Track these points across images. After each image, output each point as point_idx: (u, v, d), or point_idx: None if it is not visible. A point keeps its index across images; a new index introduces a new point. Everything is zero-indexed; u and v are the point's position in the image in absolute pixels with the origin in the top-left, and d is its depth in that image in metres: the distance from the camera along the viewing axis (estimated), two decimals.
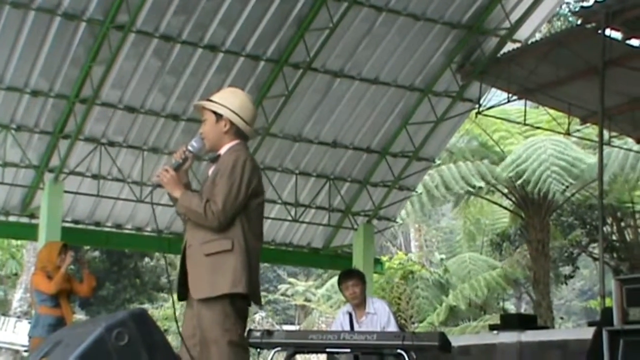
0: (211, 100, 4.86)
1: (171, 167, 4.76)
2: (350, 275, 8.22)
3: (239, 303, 4.62)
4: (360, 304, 8.10)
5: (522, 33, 13.96)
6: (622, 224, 21.11)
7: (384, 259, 23.14)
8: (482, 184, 18.61)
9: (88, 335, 3.35)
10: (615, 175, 18.03)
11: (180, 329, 4.66)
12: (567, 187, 18.41)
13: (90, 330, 3.39)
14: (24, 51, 12.09)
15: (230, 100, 4.84)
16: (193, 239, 4.69)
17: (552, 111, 15.46)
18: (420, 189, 17.64)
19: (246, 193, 4.65)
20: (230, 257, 4.59)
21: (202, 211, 4.57)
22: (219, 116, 4.78)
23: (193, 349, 4.59)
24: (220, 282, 4.56)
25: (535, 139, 18.72)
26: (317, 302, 28.88)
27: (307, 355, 23.74)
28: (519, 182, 18.19)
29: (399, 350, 6.78)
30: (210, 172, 4.84)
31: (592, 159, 17.78)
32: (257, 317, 32.00)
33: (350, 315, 8.08)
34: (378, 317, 8.00)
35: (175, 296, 4.86)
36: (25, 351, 21.25)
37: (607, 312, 6.70)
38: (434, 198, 19.06)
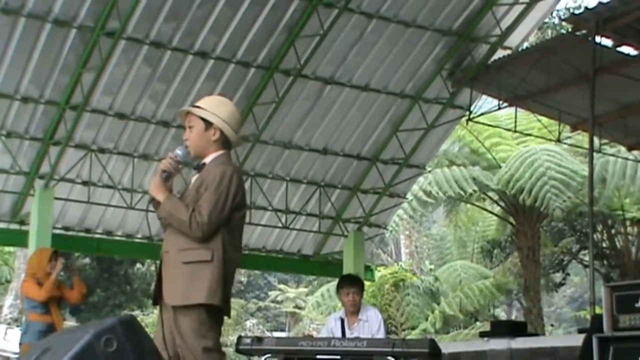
0: (199, 107, 4.82)
1: (160, 177, 4.74)
2: (353, 283, 8.23)
3: (214, 311, 4.63)
4: (354, 311, 8.11)
5: (513, 40, 13.99)
6: (613, 231, 21.14)
7: (379, 268, 23.18)
8: (474, 188, 18.58)
9: (77, 342, 3.34)
10: (605, 183, 18.03)
11: (154, 335, 4.63)
12: (565, 201, 18.40)
13: (79, 336, 3.38)
14: (14, 57, 12.06)
15: (220, 109, 4.82)
16: (170, 245, 4.68)
17: (542, 118, 15.49)
18: (410, 196, 17.66)
19: (231, 207, 4.64)
20: (208, 267, 4.58)
21: (187, 219, 4.55)
22: (208, 124, 4.75)
23: (163, 353, 4.57)
24: (196, 291, 4.55)
25: (529, 149, 18.62)
26: (307, 309, 28.87)
27: None
28: (521, 197, 18.10)
29: (389, 357, 6.77)
30: (193, 179, 4.81)
31: (585, 168, 17.72)
32: (248, 324, 32.00)
33: (343, 321, 8.08)
34: (369, 325, 8.00)
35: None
36: (17, 359, 21.18)
37: (597, 319, 6.69)
38: (425, 203, 19.05)
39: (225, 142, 4.80)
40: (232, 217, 4.68)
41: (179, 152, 4.79)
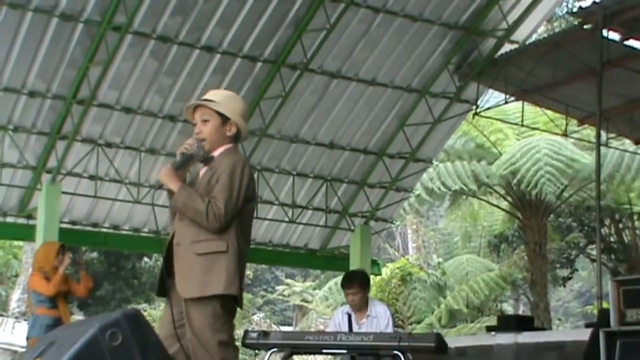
0: (212, 101, 4.78)
1: (173, 164, 4.71)
2: (350, 283, 8.15)
3: (229, 304, 4.60)
4: (360, 308, 8.09)
5: (520, 34, 13.96)
6: (620, 225, 21.13)
7: (387, 264, 23.20)
8: (475, 186, 18.60)
9: (82, 336, 3.35)
10: (612, 176, 18.02)
11: (158, 328, 4.60)
12: (564, 189, 18.40)
13: (84, 330, 3.39)
14: (21, 52, 12.09)
15: (235, 105, 4.81)
16: (182, 237, 4.63)
17: (549, 112, 15.46)
18: (417, 190, 17.67)
19: (244, 198, 4.63)
20: (224, 258, 4.55)
21: (204, 210, 4.51)
22: (225, 119, 4.74)
23: (173, 346, 4.55)
24: (213, 282, 4.52)
25: (531, 138, 18.72)
26: (314, 303, 28.88)
27: (304, 356, 23.73)
28: (515, 181, 18.19)
29: (395, 352, 6.75)
30: (201, 172, 4.79)
31: (588, 158, 17.78)
32: (255, 318, 31.99)
33: (350, 316, 8.06)
34: (378, 321, 7.98)
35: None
36: (24, 353, 21.24)
37: (604, 313, 6.69)
38: (432, 192, 19.06)
39: (235, 137, 4.80)
40: (243, 209, 4.66)
41: (195, 147, 4.71)
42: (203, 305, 4.52)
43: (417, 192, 18.18)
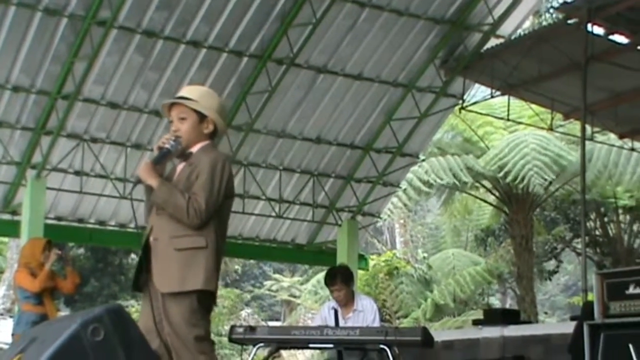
0: (189, 99, 4.79)
1: (152, 160, 4.72)
2: (333, 280, 8.14)
3: (205, 299, 4.63)
4: (346, 303, 8.09)
5: (506, 29, 13.98)
6: (605, 219, 21.19)
7: (372, 257, 23.22)
8: (470, 177, 18.63)
9: (63, 331, 3.33)
10: (599, 171, 18.11)
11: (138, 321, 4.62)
12: (551, 182, 18.47)
13: (66, 326, 3.38)
14: (4, 47, 12.03)
15: (212, 102, 4.81)
16: (160, 233, 4.64)
17: (535, 107, 15.50)
18: (404, 184, 17.69)
19: (224, 194, 4.65)
20: (203, 254, 4.58)
21: (184, 206, 4.52)
22: (202, 117, 4.74)
23: (154, 341, 4.57)
24: (192, 278, 4.54)
25: (518, 133, 18.81)
26: (302, 298, 28.89)
27: (292, 351, 23.75)
28: (501, 174, 18.25)
29: (381, 346, 6.77)
30: (179, 167, 4.79)
31: (574, 154, 17.86)
32: (243, 313, 31.96)
33: (336, 311, 8.06)
34: (364, 315, 7.99)
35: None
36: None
37: (588, 306, 6.72)
38: (420, 191, 19.08)
39: (214, 133, 4.81)
40: (222, 205, 4.68)
41: (172, 143, 4.73)
42: (180, 301, 4.55)
43: (404, 187, 18.20)
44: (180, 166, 4.78)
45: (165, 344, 4.58)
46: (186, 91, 4.88)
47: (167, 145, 4.70)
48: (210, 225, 4.61)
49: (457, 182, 18.65)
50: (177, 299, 4.55)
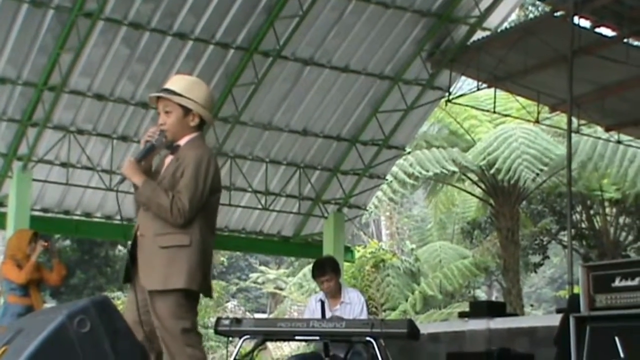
0: (174, 92, 4.76)
1: (135, 158, 4.71)
2: (323, 271, 8.12)
3: (192, 294, 4.65)
4: (335, 294, 8.09)
5: (492, 21, 14.00)
6: (592, 211, 21.27)
7: (358, 248, 23.23)
8: (454, 169, 18.66)
9: (49, 323, 3.33)
10: (585, 164, 18.17)
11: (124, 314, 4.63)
12: (538, 174, 18.52)
13: (52, 317, 3.37)
14: None
15: (197, 94, 4.77)
16: (146, 229, 4.64)
17: (521, 99, 15.53)
18: (390, 177, 17.72)
19: (209, 191, 4.64)
20: (187, 252, 4.58)
21: (168, 206, 4.52)
22: (187, 110, 4.72)
23: (139, 333, 4.58)
24: (175, 276, 4.55)
25: (506, 126, 18.85)
26: (288, 290, 28.91)
27: (278, 343, 23.77)
28: (492, 171, 18.29)
29: (367, 338, 6.77)
30: (167, 161, 4.78)
31: (562, 148, 17.91)
32: (229, 305, 31.98)
33: (323, 303, 8.06)
34: (352, 307, 7.98)
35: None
36: None
37: (574, 299, 6.73)
38: (405, 184, 19.12)
39: (200, 125, 4.80)
40: (208, 201, 4.67)
41: (157, 137, 4.71)
42: (166, 296, 4.57)
43: (390, 180, 18.23)
44: (168, 160, 4.77)
45: (148, 336, 4.59)
46: (172, 82, 4.85)
47: (152, 140, 4.70)
48: (195, 223, 4.61)
49: (444, 171, 18.68)
50: (163, 295, 4.57)
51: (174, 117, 4.72)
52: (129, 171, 4.66)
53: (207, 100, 4.81)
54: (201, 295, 4.80)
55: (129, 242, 4.73)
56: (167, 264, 4.55)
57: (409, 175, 18.75)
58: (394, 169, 17.42)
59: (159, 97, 4.78)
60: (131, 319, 4.58)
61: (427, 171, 18.63)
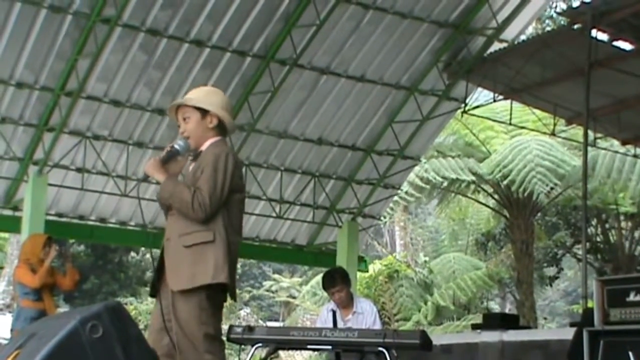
0: (189, 99, 4.80)
1: (161, 157, 4.74)
2: (333, 282, 8.11)
3: (216, 296, 4.61)
4: (346, 304, 8.08)
5: (509, 33, 13.98)
6: (607, 225, 21.18)
7: (375, 261, 23.20)
8: (470, 178, 18.63)
9: (62, 328, 3.33)
10: (602, 177, 18.09)
11: (149, 323, 4.63)
12: (552, 188, 18.46)
13: (65, 322, 3.37)
14: (9, 43, 12.05)
15: (213, 98, 4.82)
16: (172, 232, 4.66)
17: (538, 111, 15.49)
18: (405, 186, 17.69)
19: (229, 187, 4.62)
20: (211, 248, 4.56)
21: (189, 199, 4.52)
22: (204, 112, 4.74)
23: (159, 342, 4.56)
24: (201, 273, 4.53)
25: (521, 138, 18.79)
26: (301, 299, 28.90)
27: (290, 352, 23.75)
28: (505, 182, 18.25)
29: (380, 348, 6.75)
30: (190, 168, 4.81)
31: (577, 160, 17.84)
32: (242, 313, 32.00)
33: (334, 312, 8.05)
34: (364, 317, 7.98)
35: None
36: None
37: (588, 313, 6.69)
38: (421, 189, 19.10)
39: (221, 129, 4.81)
40: (230, 199, 4.65)
41: (180, 143, 4.77)
42: (189, 298, 4.53)
43: (405, 190, 18.21)
44: (191, 166, 4.80)
45: (174, 343, 4.56)
46: (189, 93, 4.90)
47: (175, 146, 4.74)
48: (218, 219, 4.60)
49: (459, 178, 18.64)
50: (186, 296, 4.54)
51: (193, 121, 4.75)
52: (152, 168, 4.69)
53: (224, 103, 4.85)
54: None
55: (158, 252, 4.74)
56: (193, 262, 4.55)
57: (422, 179, 18.71)
58: (410, 175, 17.36)
59: (178, 110, 4.81)
60: (156, 326, 4.59)
61: (442, 177, 18.60)
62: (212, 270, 4.52)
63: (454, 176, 18.52)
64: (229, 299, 4.77)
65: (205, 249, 4.56)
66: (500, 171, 18.23)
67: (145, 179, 4.80)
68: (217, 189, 4.56)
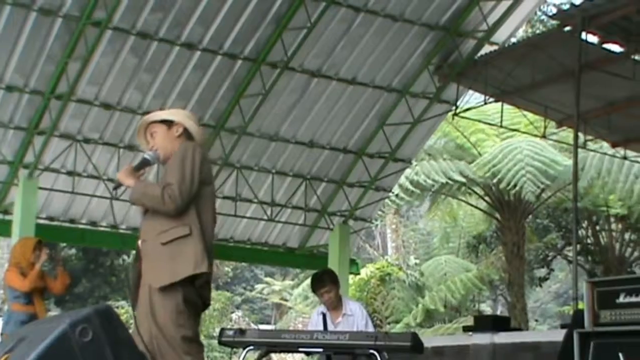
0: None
1: (134, 165, 4.86)
2: (322, 283, 8.12)
3: (192, 299, 4.65)
4: (336, 306, 8.08)
5: (500, 36, 14.01)
6: (597, 227, 21.22)
7: (368, 265, 23.21)
8: (461, 179, 18.65)
9: (52, 332, 3.33)
10: (592, 179, 18.13)
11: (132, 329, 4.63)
12: (543, 189, 18.48)
13: (54, 326, 3.37)
14: None
15: (176, 111, 5.04)
16: (147, 233, 4.72)
17: (528, 114, 15.52)
18: (396, 189, 17.69)
19: (199, 178, 4.69)
20: (190, 241, 4.63)
21: (159, 194, 4.59)
22: (169, 123, 4.88)
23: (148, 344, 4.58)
24: (182, 266, 4.59)
25: (512, 140, 18.81)
26: (293, 302, 28.90)
27: (282, 355, 23.73)
28: (494, 180, 18.27)
29: (371, 351, 6.76)
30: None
31: (568, 161, 17.87)
32: (234, 316, 31.97)
33: (324, 315, 8.05)
34: (355, 319, 7.98)
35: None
36: None
37: (578, 314, 6.70)
38: (412, 193, 19.12)
39: (188, 137, 4.91)
40: (202, 192, 4.72)
41: (150, 153, 4.89)
42: (168, 299, 4.57)
43: (396, 192, 18.22)
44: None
45: (147, 347, 4.56)
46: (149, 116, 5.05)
47: (145, 156, 4.88)
48: (192, 212, 4.67)
49: (449, 182, 18.66)
50: (165, 296, 4.57)
51: (160, 135, 4.89)
52: (123, 175, 4.82)
53: (188, 114, 5.02)
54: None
55: (132, 263, 4.80)
56: (172, 257, 4.60)
57: (413, 183, 18.72)
58: (401, 178, 17.37)
59: (145, 132, 4.96)
60: (140, 328, 4.62)
61: (433, 180, 18.61)
62: (193, 262, 4.58)
63: (444, 180, 18.53)
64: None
65: (183, 243, 4.62)
66: (489, 170, 18.25)
67: (118, 185, 4.85)
68: (186, 179, 4.63)
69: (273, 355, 22.93)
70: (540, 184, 17.91)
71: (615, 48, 12.77)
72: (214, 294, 25.98)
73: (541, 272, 23.48)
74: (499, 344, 10.66)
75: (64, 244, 24.13)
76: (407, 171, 17.48)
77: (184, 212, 4.63)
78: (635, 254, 21.19)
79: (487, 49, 13.91)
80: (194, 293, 4.65)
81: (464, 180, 18.82)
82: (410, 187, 18.83)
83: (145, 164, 4.88)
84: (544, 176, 17.88)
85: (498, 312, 29.38)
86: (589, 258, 21.35)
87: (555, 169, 17.96)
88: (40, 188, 13.23)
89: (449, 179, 18.49)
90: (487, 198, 19.93)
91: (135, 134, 13.50)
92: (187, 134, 4.89)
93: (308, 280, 26.54)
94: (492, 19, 13.68)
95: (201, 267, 4.60)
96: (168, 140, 4.86)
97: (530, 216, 20.86)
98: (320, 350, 7.14)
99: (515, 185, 17.74)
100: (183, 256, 4.59)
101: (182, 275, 4.57)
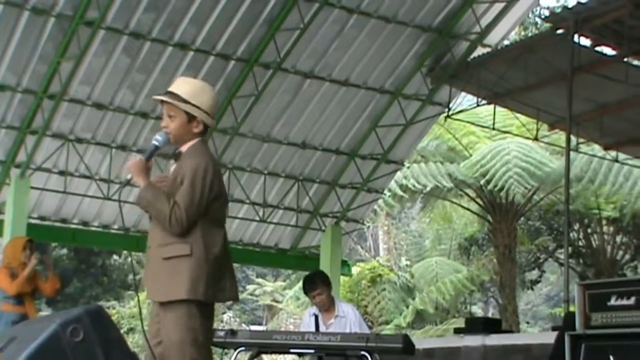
0: (179, 96, 4.69)
1: (142, 158, 4.67)
2: (313, 285, 8.09)
3: (202, 305, 4.50)
4: (328, 308, 8.06)
5: (493, 38, 14.03)
6: (589, 230, 21.24)
7: (359, 264, 23.19)
8: (450, 183, 18.67)
9: (43, 332, 3.32)
10: (579, 178, 18.14)
11: (146, 327, 4.56)
12: (534, 192, 18.49)
13: (45, 326, 3.36)
14: None
15: (202, 99, 4.68)
16: (152, 241, 4.58)
17: (521, 116, 15.53)
18: (388, 191, 17.69)
19: (208, 199, 4.53)
20: (187, 262, 4.46)
21: (167, 213, 4.43)
22: (191, 117, 4.64)
23: (156, 347, 4.50)
24: (176, 288, 4.43)
25: (501, 141, 18.84)
26: (285, 303, 28.86)
27: (273, 356, 23.72)
28: (483, 181, 18.29)
29: (362, 352, 6.76)
30: (171, 170, 4.74)
31: (556, 162, 17.90)
32: (225, 317, 31.94)
33: (316, 317, 8.04)
34: (347, 321, 7.97)
35: (140, 295, 4.78)
36: None
37: (569, 317, 6.71)
38: (402, 198, 19.12)
39: (204, 131, 4.76)
40: (210, 208, 4.55)
41: (159, 138, 4.70)
42: (174, 307, 4.44)
43: (388, 195, 18.22)
44: (173, 167, 4.73)
45: (154, 352, 4.46)
46: (178, 85, 4.76)
47: (154, 142, 4.66)
48: (197, 232, 4.50)
49: (439, 185, 18.67)
50: (171, 307, 4.45)
51: (178, 123, 4.65)
52: (136, 169, 4.58)
53: (211, 107, 4.71)
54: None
55: (141, 255, 4.73)
56: (168, 275, 4.45)
57: (403, 188, 18.73)
58: (392, 182, 17.39)
59: (163, 100, 4.71)
60: (153, 330, 4.51)
61: (423, 185, 18.62)
62: (187, 286, 4.41)
63: (433, 184, 18.54)
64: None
65: (181, 262, 4.45)
66: (477, 171, 18.27)
67: (127, 183, 4.71)
68: (194, 204, 4.47)
69: (264, 356, 22.92)
70: (528, 185, 17.94)
71: (608, 51, 12.80)
72: None
73: (533, 274, 23.50)
74: (490, 346, 10.67)
75: (56, 244, 24.11)
76: (398, 175, 17.51)
77: (187, 229, 4.48)
78: (627, 256, 21.23)
79: (479, 51, 13.93)
80: (199, 303, 4.50)
81: (451, 185, 18.82)
82: (400, 193, 18.82)
83: (155, 151, 4.66)
84: (531, 178, 17.90)
85: (489, 314, 29.39)
86: (581, 261, 21.37)
87: (543, 170, 17.99)
88: (32, 187, 13.22)
89: (439, 183, 18.49)
90: (479, 200, 19.95)
91: (128, 133, 13.50)
92: (204, 126, 4.69)
93: (300, 282, 26.56)
94: (485, 22, 13.70)
95: (195, 294, 4.42)
96: (185, 131, 4.65)
97: (522, 218, 20.88)
98: (312, 351, 7.13)
99: (503, 187, 17.77)
100: (178, 278, 4.44)
101: (173, 297, 4.43)
